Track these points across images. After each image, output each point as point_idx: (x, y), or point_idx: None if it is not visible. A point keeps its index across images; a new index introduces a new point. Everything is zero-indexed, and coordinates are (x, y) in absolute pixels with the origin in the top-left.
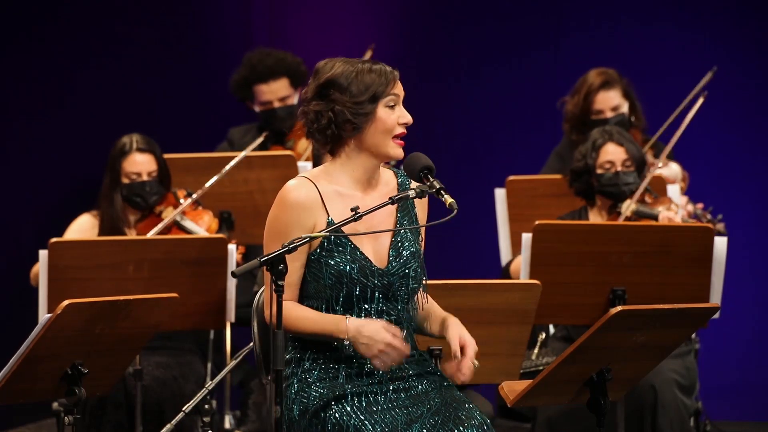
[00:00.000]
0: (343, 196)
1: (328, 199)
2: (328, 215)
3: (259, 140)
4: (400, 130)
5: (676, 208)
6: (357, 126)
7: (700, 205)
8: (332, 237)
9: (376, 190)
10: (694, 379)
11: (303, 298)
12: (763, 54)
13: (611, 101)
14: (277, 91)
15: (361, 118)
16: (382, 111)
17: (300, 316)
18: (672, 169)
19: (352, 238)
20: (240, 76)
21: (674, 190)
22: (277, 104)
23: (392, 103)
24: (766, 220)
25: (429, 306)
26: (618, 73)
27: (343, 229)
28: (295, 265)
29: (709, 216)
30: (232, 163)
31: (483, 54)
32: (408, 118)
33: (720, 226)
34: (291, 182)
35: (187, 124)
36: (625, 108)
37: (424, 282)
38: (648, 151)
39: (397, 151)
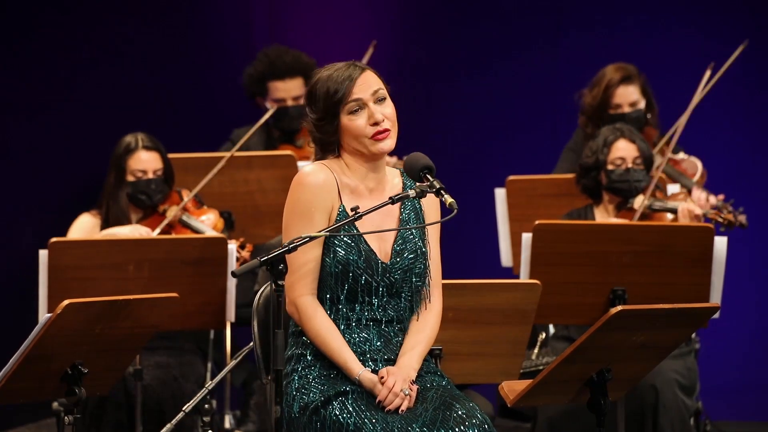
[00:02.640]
0: (352, 189)
1: (342, 187)
2: (341, 203)
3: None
4: (372, 130)
5: (692, 200)
6: (331, 134)
7: (721, 197)
8: (346, 229)
9: (382, 190)
10: (694, 380)
11: None
12: (764, 53)
13: (630, 96)
14: (292, 89)
15: (329, 133)
16: (345, 120)
17: (324, 337)
18: (692, 162)
19: (358, 230)
20: (256, 70)
21: (674, 189)
22: (290, 103)
23: (355, 108)
24: (766, 220)
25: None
26: (637, 69)
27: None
28: (315, 253)
29: (730, 208)
30: (230, 153)
31: (483, 54)
32: (376, 117)
33: (742, 218)
34: (307, 167)
35: (186, 124)
36: (642, 105)
37: (427, 280)
38: (663, 147)
39: (377, 146)
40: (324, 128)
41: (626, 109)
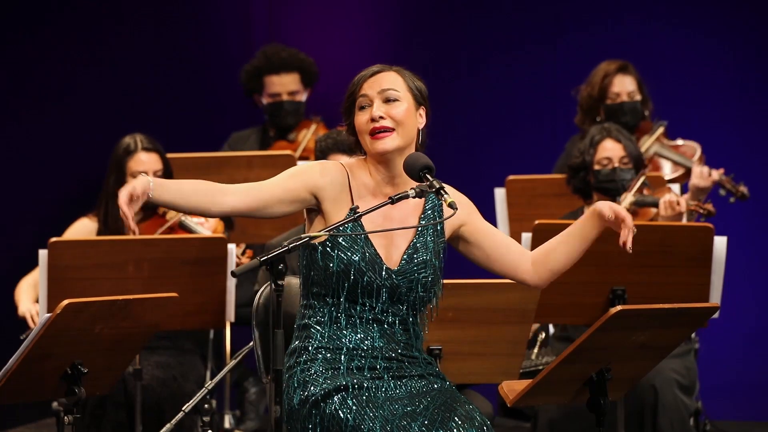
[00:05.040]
0: (366, 189)
1: (355, 187)
2: (353, 202)
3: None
4: (370, 126)
5: (676, 195)
6: (351, 127)
7: (721, 171)
8: (348, 229)
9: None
10: (694, 379)
11: (310, 285)
12: (763, 53)
13: (628, 86)
14: (287, 84)
15: (348, 127)
16: (356, 115)
17: (195, 184)
18: (690, 145)
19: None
20: (252, 66)
21: (674, 188)
22: (285, 97)
23: (363, 104)
24: (765, 220)
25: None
26: (633, 66)
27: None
28: (284, 186)
29: (732, 182)
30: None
31: (482, 53)
32: (373, 113)
33: (744, 189)
34: (333, 161)
35: (186, 124)
36: (638, 97)
37: (436, 299)
38: (660, 136)
39: (374, 145)
40: (346, 123)
41: (624, 98)
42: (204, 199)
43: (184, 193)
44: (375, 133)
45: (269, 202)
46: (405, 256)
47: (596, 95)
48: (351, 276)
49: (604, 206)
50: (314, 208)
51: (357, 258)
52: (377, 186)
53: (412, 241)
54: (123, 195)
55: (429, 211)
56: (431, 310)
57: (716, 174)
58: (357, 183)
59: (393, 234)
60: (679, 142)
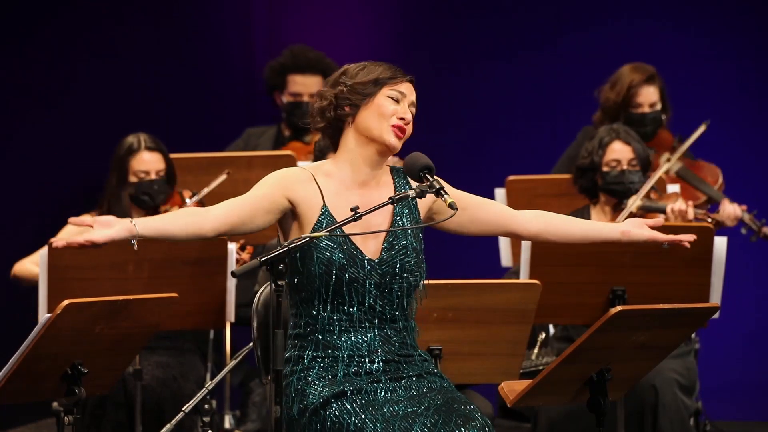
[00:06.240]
0: (339, 192)
1: (326, 190)
2: (324, 203)
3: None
4: (396, 121)
5: (685, 202)
6: (353, 104)
7: (744, 207)
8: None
9: (376, 189)
10: (694, 379)
11: (297, 292)
12: (763, 53)
13: (651, 97)
14: (310, 85)
15: (358, 97)
16: (381, 98)
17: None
18: (712, 169)
19: (344, 230)
20: (278, 63)
21: (674, 189)
22: (306, 98)
23: (395, 97)
24: (765, 220)
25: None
26: (657, 72)
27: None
28: (262, 195)
29: (755, 220)
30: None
31: (482, 53)
32: (407, 116)
33: (767, 230)
34: (295, 167)
35: (186, 124)
36: (659, 107)
37: (423, 281)
38: (682, 157)
39: (392, 138)
40: (357, 90)
41: (646, 109)
42: (192, 219)
43: (168, 219)
44: (397, 127)
45: (252, 212)
46: (385, 244)
47: (620, 102)
48: (333, 275)
49: (640, 235)
50: (289, 214)
51: (336, 256)
52: (351, 180)
53: (390, 227)
54: (98, 237)
55: (398, 205)
56: (420, 296)
57: (740, 211)
58: (324, 181)
59: (370, 225)
60: (699, 161)
